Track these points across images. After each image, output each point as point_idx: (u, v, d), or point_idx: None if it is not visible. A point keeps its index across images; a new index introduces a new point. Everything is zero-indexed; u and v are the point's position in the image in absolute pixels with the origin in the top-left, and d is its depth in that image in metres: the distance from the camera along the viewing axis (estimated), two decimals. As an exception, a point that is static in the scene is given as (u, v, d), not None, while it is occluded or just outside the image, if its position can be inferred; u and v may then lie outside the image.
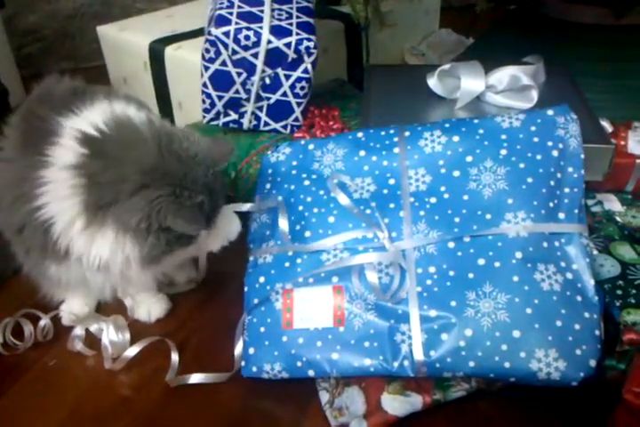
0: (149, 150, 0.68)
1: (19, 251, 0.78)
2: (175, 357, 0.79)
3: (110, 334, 0.80)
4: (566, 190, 0.73)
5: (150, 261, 0.70)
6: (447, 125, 0.79)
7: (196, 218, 0.69)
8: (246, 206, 0.82)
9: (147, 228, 0.67)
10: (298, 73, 0.95)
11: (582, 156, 0.74)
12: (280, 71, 0.95)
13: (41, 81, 0.79)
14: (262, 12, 0.94)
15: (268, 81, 0.96)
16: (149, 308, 0.87)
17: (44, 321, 0.84)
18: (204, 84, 0.96)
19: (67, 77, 0.80)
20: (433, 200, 0.75)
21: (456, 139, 0.77)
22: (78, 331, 0.82)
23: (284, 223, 0.78)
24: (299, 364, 0.71)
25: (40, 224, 0.70)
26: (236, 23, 0.92)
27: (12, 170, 0.73)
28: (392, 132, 0.81)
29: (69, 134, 0.69)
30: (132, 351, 0.79)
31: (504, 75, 0.94)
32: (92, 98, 0.75)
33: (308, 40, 0.92)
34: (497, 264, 0.69)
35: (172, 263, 0.80)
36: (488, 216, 0.72)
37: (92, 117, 0.70)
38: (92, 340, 0.83)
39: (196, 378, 0.77)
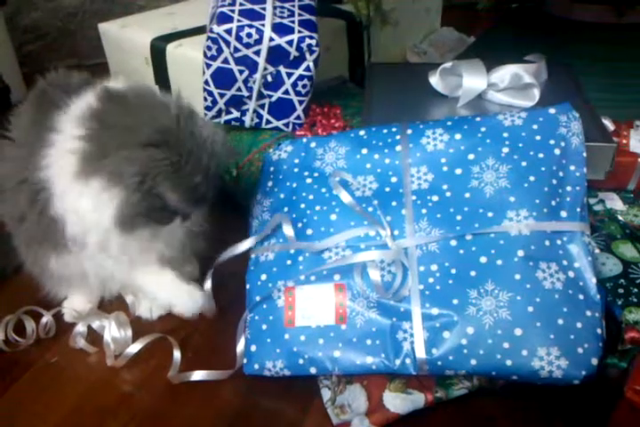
0: (169, 115, 0.67)
1: (20, 243, 0.79)
2: (177, 354, 0.79)
3: (112, 330, 0.80)
4: (568, 189, 0.73)
5: (124, 221, 0.69)
6: (449, 123, 0.79)
7: (189, 197, 0.68)
8: (244, 245, 0.81)
9: (137, 184, 0.66)
10: (300, 71, 0.95)
11: (584, 154, 0.74)
12: (282, 69, 0.95)
13: (47, 75, 0.79)
14: (264, 9, 0.94)
15: (269, 79, 0.96)
16: (151, 305, 0.87)
17: (46, 318, 0.84)
18: (206, 82, 0.96)
19: (75, 72, 0.80)
20: (435, 198, 0.75)
21: (458, 137, 0.77)
22: (80, 328, 0.82)
23: (288, 230, 0.78)
24: (300, 361, 0.72)
25: (41, 205, 0.70)
26: (238, 21, 0.91)
27: (20, 153, 0.73)
28: (394, 130, 0.81)
29: (85, 99, 0.70)
30: (134, 348, 0.79)
31: (506, 73, 0.94)
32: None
33: (310, 38, 0.92)
34: (499, 262, 0.69)
35: (141, 248, 0.77)
36: (490, 214, 0.72)
37: (114, 84, 0.71)
38: (94, 337, 0.83)
39: (197, 375, 0.77)
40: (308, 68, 0.95)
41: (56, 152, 0.70)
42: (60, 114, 0.71)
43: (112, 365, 0.79)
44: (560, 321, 0.66)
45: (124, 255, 0.76)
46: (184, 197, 0.68)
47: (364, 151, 0.80)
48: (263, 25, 0.92)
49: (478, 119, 0.78)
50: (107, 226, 0.69)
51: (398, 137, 0.80)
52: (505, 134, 0.75)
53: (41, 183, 0.71)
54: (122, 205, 0.67)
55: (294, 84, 0.96)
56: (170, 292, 0.81)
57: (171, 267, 0.82)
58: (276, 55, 0.93)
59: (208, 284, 0.83)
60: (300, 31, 0.92)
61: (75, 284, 0.84)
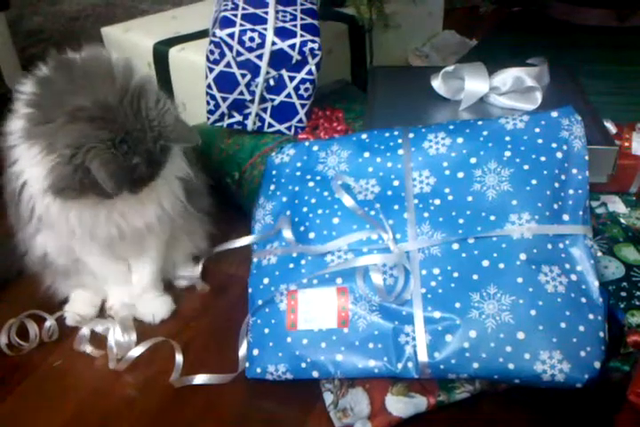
0: (113, 91, 0.67)
1: (15, 227, 0.80)
2: (179, 358, 0.79)
3: (117, 334, 0.80)
4: (570, 192, 0.73)
5: (58, 192, 0.69)
6: (451, 127, 0.79)
7: (120, 177, 0.67)
8: (242, 241, 0.81)
9: (70, 157, 0.65)
10: (302, 74, 0.95)
11: (587, 157, 0.74)
12: (284, 73, 0.95)
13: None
14: (267, 13, 0.94)
15: (272, 82, 0.96)
16: (154, 309, 0.87)
17: (50, 322, 0.84)
18: (209, 86, 0.96)
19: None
20: (437, 202, 0.75)
21: (460, 140, 0.77)
22: (85, 331, 0.83)
23: (288, 233, 0.78)
24: (303, 365, 0.72)
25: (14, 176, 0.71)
26: (241, 25, 0.92)
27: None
28: (396, 133, 0.81)
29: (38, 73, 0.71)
30: (137, 352, 0.79)
31: (508, 76, 0.94)
32: None
33: (313, 42, 0.92)
34: (501, 266, 0.69)
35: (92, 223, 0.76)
36: (492, 218, 0.72)
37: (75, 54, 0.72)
38: (98, 340, 0.83)
39: (200, 379, 0.77)
40: (310, 72, 0.95)
41: (13, 118, 0.70)
42: (27, 79, 0.72)
43: (114, 368, 0.79)
44: (562, 325, 0.66)
45: (73, 227, 0.75)
46: (115, 176, 0.66)
47: (367, 155, 0.80)
48: (265, 29, 0.92)
49: (480, 123, 0.78)
50: (43, 193, 0.69)
51: (400, 141, 0.80)
52: (507, 138, 0.75)
53: (9, 151, 0.71)
54: (53, 175, 0.67)
55: (296, 88, 0.97)
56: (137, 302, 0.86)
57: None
58: (279, 59, 0.93)
59: (198, 269, 0.85)
60: (302, 35, 0.93)
61: (72, 277, 0.85)
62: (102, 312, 0.89)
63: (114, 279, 0.87)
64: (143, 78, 0.71)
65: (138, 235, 0.80)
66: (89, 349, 0.82)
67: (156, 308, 0.87)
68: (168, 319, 0.87)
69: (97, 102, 0.66)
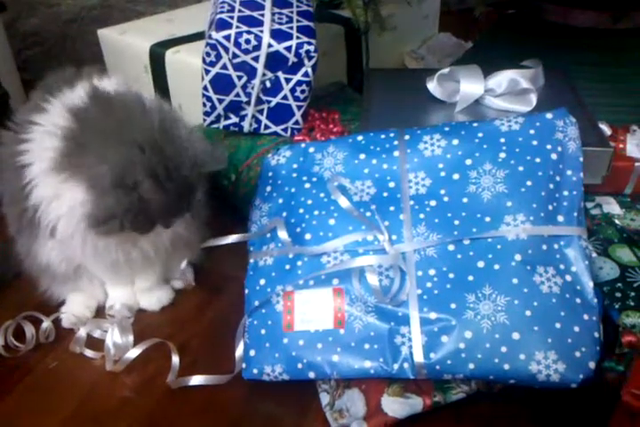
0: (151, 119, 0.68)
1: (12, 230, 0.80)
2: (176, 359, 0.79)
3: (115, 335, 0.80)
4: (565, 193, 0.73)
5: (97, 223, 0.69)
6: (447, 129, 0.79)
7: (167, 203, 0.68)
8: (231, 238, 0.81)
9: (112, 186, 0.65)
10: (298, 76, 0.95)
11: (581, 159, 0.75)
12: (280, 75, 0.95)
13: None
14: (263, 15, 0.95)
15: (268, 84, 0.96)
16: (157, 295, 0.88)
17: (46, 324, 0.84)
18: (205, 88, 0.96)
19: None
20: (433, 203, 0.75)
21: (455, 142, 0.77)
22: (82, 333, 0.83)
23: (283, 234, 0.78)
24: (299, 366, 0.72)
25: (26, 192, 0.71)
26: (237, 27, 0.92)
27: (13, 138, 0.74)
28: (392, 135, 0.81)
29: (73, 95, 0.71)
30: (134, 353, 0.79)
31: (503, 78, 0.95)
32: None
33: (309, 44, 0.93)
34: (496, 267, 0.69)
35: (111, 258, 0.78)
36: (487, 219, 0.72)
37: (106, 84, 0.73)
38: (95, 341, 0.83)
39: (196, 380, 0.77)
40: (306, 74, 0.95)
41: (38, 145, 0.70)
42: (47, 106, 0.72)
43: (111, 369, 0.79)
44: (557, 325, 0.66)
45: (98, 255, 0.76)
46: (161, 202, 0.68)
47: (362, 156, 0.80)
48: (262, 31, 0.92)
49: (475, 125, 0.78)
50: (79, 224, 0.69)
51: (396, 142, 0.80)
52: (502, 140, 0.76)
53: (24, 171, 0.71)
54: (95, 206, 0.67)
55: (293, 90, 0.97)
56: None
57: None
58: (275, 61, 0.94)
59: (184, 264, 0.85)
60: (298, 37, 0.93)
61: (69, 282, 0.85)
62: (98, 314, 0.89)
63: (116, 282, 0.87)
64: (172, 110, 0.73)
65: (147, 258, 0.81)
66: (86, 350, 0.82)
67: (157, 296, 0.89)
68: (164, 321, 0.88)
69: (139, 132, 0.66)
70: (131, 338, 0.82)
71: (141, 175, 0.66)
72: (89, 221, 0.69)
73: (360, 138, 0.82)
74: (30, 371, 0.81)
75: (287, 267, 0.77)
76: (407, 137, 0.80)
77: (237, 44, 0.92)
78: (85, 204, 0.68)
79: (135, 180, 0.66)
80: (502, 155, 0.75)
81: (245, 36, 0.91)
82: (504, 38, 1.52)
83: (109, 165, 0.65)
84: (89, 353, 0.82)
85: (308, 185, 0.81)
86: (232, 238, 0.81)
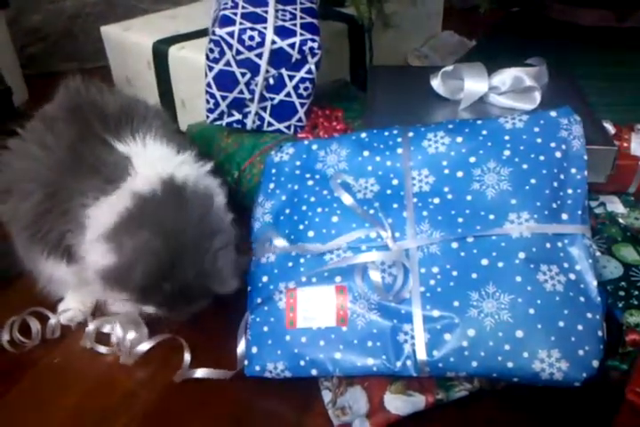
0: (201, 230, 0.72)
1: (21, 246, 0.80)
2: (187, 355, 0.80)
3: (126, 330, 0.81)
4: (569, 191, 0.73)
5: (141, 292, 0.71)
6: (450, 126, 0.79)
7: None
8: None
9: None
10: (301, 73, 0.95)
11: (585, 157, 0.74)
12: (284, 72, 0.95)
13: (66, 82, 0.82)
14: (266, 12, 0.94)
15: (271, 81, 0.96)
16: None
17: (53, 320, 0.85)
18: (208, 84, 0.96)
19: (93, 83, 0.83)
20: (436, 201, 0.75)
21: (459, 140, 0.77)
22: (91, 328, 0.83)
23: (279, 242, 0.78)
24: (302, 363, 0.72)
25: (64, 230, 0.73)
26: (241, 23, 0.92)
27: (49, 162, 0.75)
28: (395, 132, 0.81)
29: (136, 181, 0.73)
30: (145, 346, 0.80)
31: (507, 76, 0.94)
32: (148, 126, 0.79)
33: (312, 41, 0.93)
34: (500, 264, 0.69)
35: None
36: (491, 217, 0.72)
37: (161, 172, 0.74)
38: (102, 337, 0.84)
39: (200, 373, 0.77)
40: (309, 71, 0.95)
41: (97, 209, 0.72)
42: (108, 164, 0.74)
43: (124, 362, 0.80)
44: (561, 323, 0.66)
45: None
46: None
47: (366, 154, 0.80)
48: (265, 28, 0.92)
49: (479, 122, 0.78)
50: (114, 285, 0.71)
51: (399, 140, 0.80)
52: (506, 137, 0.76)
53: (67, 215, 0.73)
54: (143, 277, 0.69)
55: (296, 87, 0.97)
56: None
57: None
58: (278, 58, 0.93)
59: None
60: (302, 34, 0.93)
61: (69, 286, 0.85)
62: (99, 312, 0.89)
63: None
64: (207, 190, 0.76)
65: None
66: (95, 345, 0.83)
67: None
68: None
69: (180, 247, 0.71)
70: (145, 330, 0.82)
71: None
72: (134, 289, 0.71)
73: (363, 135, 0.82)
74: (35, 366, 0.81)
75: (290, 264, 0.77)
76: (411, 134, 0.80)
77: (241, 41, 0.92)
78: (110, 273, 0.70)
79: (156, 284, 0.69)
80: (506, 152, 0.74)
81: (249, 32, 0.91)
82: (508, 36, 1.52)
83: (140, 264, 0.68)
84: (101, 349, 0.83)
85: (311, 182, 0.81)
86: None
